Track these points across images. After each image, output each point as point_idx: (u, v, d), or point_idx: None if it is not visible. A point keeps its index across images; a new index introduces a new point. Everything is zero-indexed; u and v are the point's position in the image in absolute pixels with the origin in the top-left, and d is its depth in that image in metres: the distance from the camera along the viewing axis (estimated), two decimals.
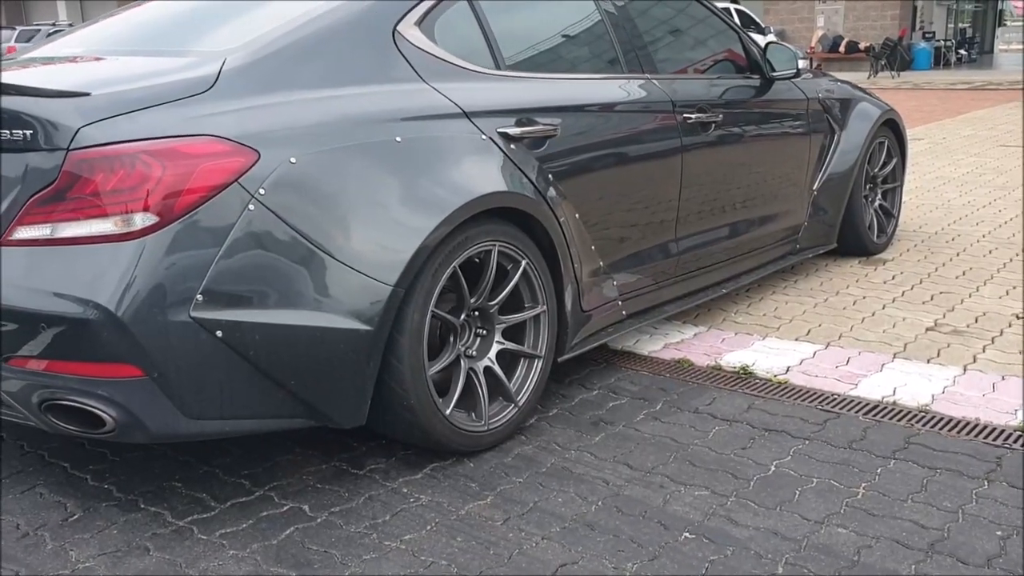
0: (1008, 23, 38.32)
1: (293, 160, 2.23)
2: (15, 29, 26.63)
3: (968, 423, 2.78)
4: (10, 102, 2.13)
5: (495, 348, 2.72)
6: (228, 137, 2.17)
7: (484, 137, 2.65)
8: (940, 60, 24.14)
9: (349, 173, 2.32)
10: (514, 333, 2.78)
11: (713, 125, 3.53)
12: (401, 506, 2.36)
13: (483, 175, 2.59)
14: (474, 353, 2.69)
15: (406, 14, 2.67)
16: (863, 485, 2.42)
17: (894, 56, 21.42)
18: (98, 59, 2.61)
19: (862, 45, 22.87)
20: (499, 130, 2.69)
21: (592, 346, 3.09)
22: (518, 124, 2.76)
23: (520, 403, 2.73)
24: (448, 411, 2.51)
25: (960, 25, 28.91)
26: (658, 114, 3.31)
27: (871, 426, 2.77)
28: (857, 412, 2.88)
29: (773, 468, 2.53)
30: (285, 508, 2.36)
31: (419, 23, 2.69)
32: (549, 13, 3.24)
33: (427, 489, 2.45)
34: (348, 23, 2.56)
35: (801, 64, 4.02)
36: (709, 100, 3.58)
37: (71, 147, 2.07)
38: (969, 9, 30.02)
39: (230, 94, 2.26)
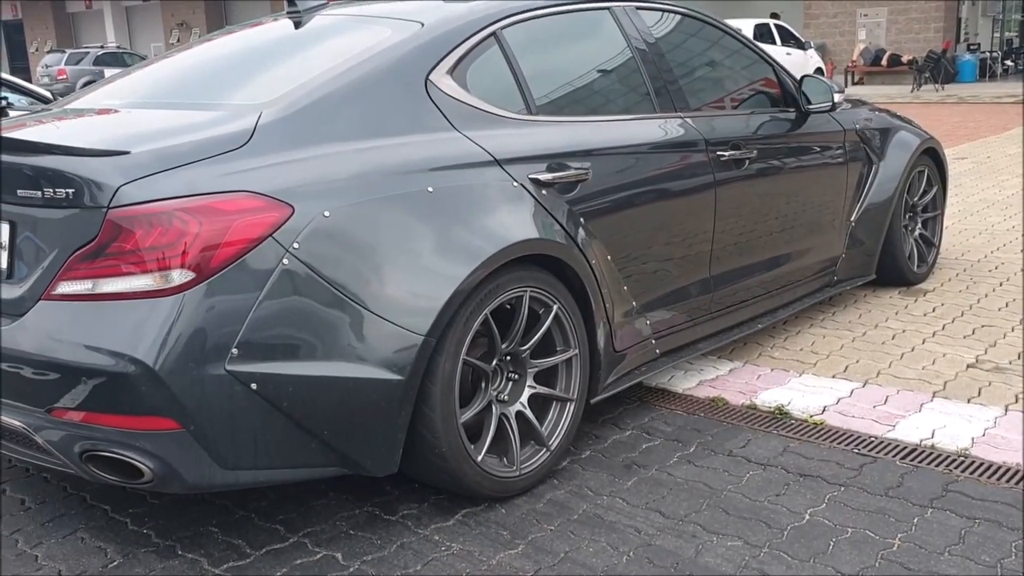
0: None
1: (327, 214, 2.27)
2: (64, 52, 27.31)
3: (1008, 469, 2.73)
4: (53, 161, 2.20)
5: (527, 392, 2.73)
6: (263, 192, 2.21)
7: (516, 184, 2.66)
8: (986, 72, 23.71)
9: (382, 225, 2.35)
10: (546, 377, 2.79)
11: (748, 161, 3.51)
12: (432, 555, 2.38)
13: (514, 223, 2.60)
14: (506, 398, 2.70)
15: (438, 63, 2.70)
16: (899, 536, 2.39)
17: (938, 69, 21.10)
18: (136, 112, 2.67)
19: (905, 58, 22.57)
20: (531, 176, 2.71)
21: (625, 386, 3.09)
22: (549, 170, 2.77)
23: (552, 447, 2.74)
24: (480, 457, 2.53)
25: (1007, 35, 28.42)
26: (691, 153, 3.31)
27: (908, 471, 2.74)
28: (894, 456, 2.84)
29: (807, 516, 2.50)
30: (318, 556, 2.39)
31: (451, 71, 2.72)
32: (580, 54, 3.26)
33: (459, 537, 2.46)
34: (381, 74, 2.59)
35: (837, 98, 3.98)
36: (743, 136, 3.56)
37: (111, 205, 2.12)
38: (1016, 19, 29.50)
39: (265, 149, 2.30)
